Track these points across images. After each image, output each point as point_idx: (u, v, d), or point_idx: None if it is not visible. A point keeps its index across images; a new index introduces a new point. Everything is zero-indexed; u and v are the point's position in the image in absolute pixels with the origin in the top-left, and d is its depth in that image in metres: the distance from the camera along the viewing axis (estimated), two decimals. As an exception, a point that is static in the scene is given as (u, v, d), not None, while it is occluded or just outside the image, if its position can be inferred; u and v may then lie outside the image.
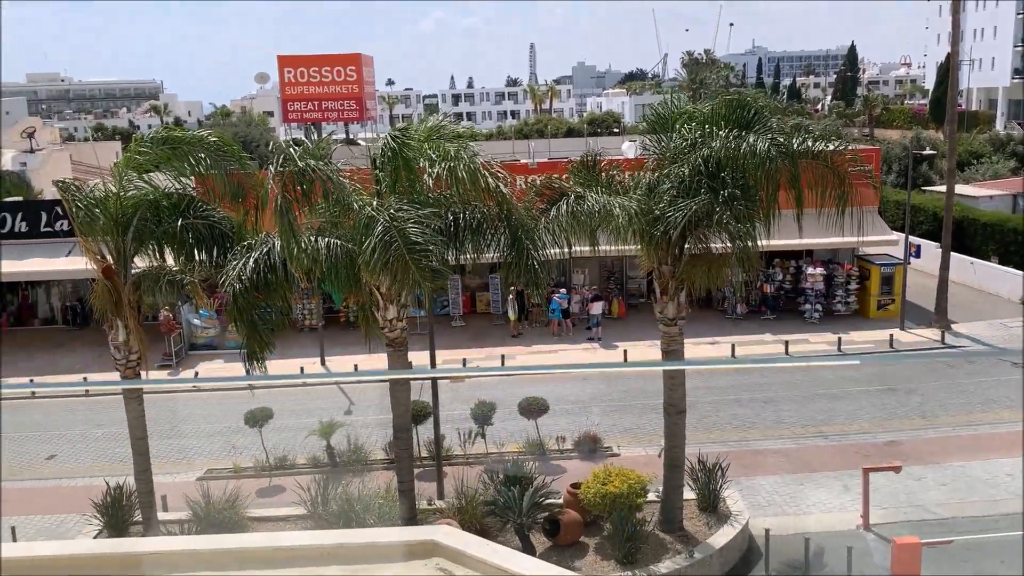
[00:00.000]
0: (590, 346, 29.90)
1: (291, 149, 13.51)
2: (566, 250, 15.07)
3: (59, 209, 29.61)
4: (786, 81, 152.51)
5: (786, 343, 28.31)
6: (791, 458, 20.60)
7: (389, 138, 13.86)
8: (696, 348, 27.00)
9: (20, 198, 37.63)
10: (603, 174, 15.69)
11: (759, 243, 14.29)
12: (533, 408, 20.65)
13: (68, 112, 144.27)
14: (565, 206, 14.22)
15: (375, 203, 13.33)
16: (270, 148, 15.78)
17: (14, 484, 20.81)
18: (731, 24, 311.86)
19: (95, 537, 17.23)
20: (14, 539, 17.17)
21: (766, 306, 32.52)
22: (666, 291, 15.45)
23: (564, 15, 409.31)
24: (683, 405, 16.10)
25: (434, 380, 19.84)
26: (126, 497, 17.39)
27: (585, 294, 31.99)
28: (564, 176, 17.20)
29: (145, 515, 16.75)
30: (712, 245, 14.79)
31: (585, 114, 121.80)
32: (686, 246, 14.91)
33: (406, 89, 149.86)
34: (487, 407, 20.84)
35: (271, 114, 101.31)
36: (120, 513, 17.29)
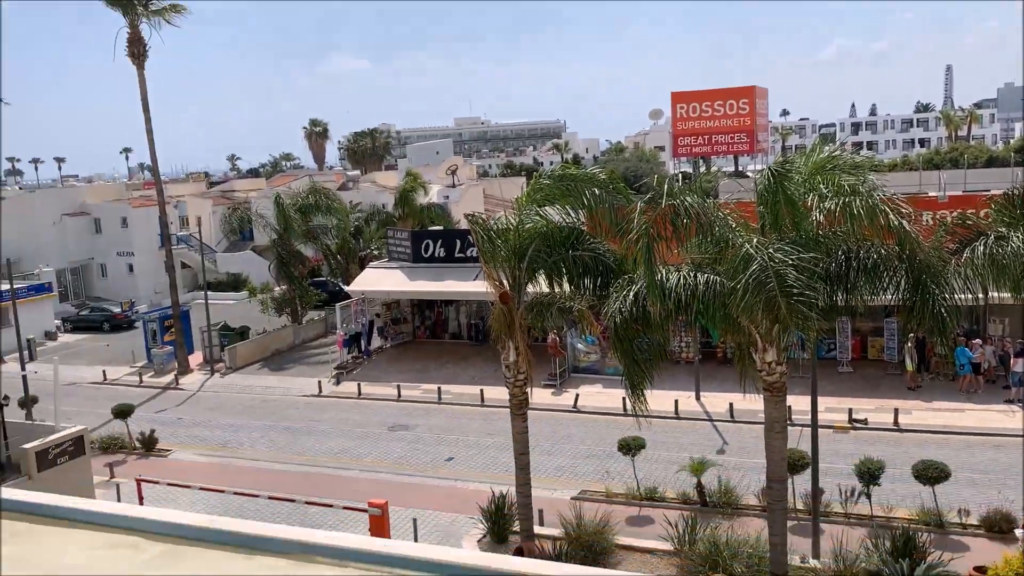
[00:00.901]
0: (1007, 408, 25.81)
1: (668, 183, 13.55)
2: (980, 296, 13.15)
3: (470, 238, 33.16)
4: None
5: None
6: None
7: (770, 171, 13.26)
8: None
9: (441, 227, 42.88)
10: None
11: None
12: (931, 473, 18.28)
13: (485, 151, 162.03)
14: (982, 247, 12.41)
15: (755, 240, 12.81)
16: (651, 183, 16.05)
17: (421, 479, 23.54)
18: None
19: (479, 540, 18.79)
20: (415, 529, 19.34)
21: None
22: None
23: (991, 33, 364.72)
24: None
25: (814, 428, 18.49)
26: (508, 506, 18.76)
27: (1006, 347, 27.75)
28: (983, 213, 15.08)
29: (523, 526, 17.86)
30: None
31: (1012, 141, 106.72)
32: None
33: (801, 119, 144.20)
34: (874, 465, 18.91)
35: (662, 149, 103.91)
36: (502, 521, 18.69)
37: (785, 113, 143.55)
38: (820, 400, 19.93)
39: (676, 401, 27.16)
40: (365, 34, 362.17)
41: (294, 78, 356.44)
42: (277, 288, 43.09)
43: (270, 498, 19.74)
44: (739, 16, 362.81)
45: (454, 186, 61.53)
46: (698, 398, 28.31)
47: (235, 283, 55.50)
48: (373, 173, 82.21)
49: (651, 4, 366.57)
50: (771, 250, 12.24)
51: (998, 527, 17.75)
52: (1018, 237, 12.24)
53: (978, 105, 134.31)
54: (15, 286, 37.01)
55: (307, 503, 19.90)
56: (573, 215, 16.35)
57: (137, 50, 35.76)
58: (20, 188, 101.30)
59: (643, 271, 12.96)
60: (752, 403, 25.76)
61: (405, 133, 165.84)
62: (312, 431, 28.39)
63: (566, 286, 16.01)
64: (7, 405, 25.10)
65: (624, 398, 26.15)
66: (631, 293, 13.61)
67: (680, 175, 56.97)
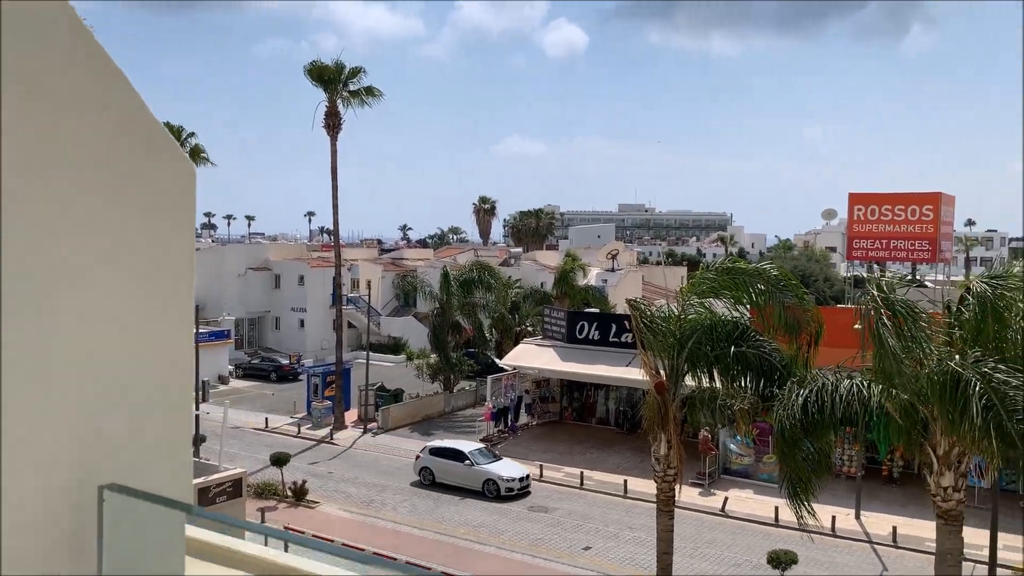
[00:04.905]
0: None
1: (878, 280, 12.92)
2: None
3: (627, 323, 32.92)
4: None
5: None
6: None
7: (977, 283, 12.42)
8: None
9: (597, 310, 42.93)
10: None
11: None
12: None
13: (646, 238, 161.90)
14: None
15: (958, 358, 11.91)
16: (845, 283, 15.41)
17: (556, 565, 23.05)
18: None
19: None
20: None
21: None
22: None
23: None
24: None
25: (992, 566, 16.75)
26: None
27: None
28: None
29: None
30: None
31: None
32: None
33: (989, 230, 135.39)
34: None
35: (833, 250, 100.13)
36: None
37: (971, 223, 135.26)
38: (999, 536, 18.11)
39: (833, 517, 25.39)
40: (542, 117, 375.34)
41: (468, 156, 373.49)
42: (433, 355, 44.32)
43: (407, 562, 19.92)
44: (924, 117, 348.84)
45: (613, 271, 61.63)
46: (858, 517, 26.37)
47: (395, 346, 57.52)
48: (535, 252, 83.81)
49: (828, 101, 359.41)
50: (985, 369, 11.36)
51: None
52: None
53: None
54: (199, 331, 40.01)
55: (444, 574, 19.93)
56: (740, 310, 15.94)
57: (332, 122, 38.60)
58: (212, 241, 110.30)
59: (883, 364, 12.09)
60: (918, 530, 23.80)
61: (569, 215, 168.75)
62: (453, 501, 28.57)
63: (725, 382, 15.52)
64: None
65: (777, 507, 24.81)
66: (802, 396, 12.99)
67: (853, 279, 54.59)
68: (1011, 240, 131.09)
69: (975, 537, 19.67)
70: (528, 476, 29.52)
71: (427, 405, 41.21)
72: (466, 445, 30.92)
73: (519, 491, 28.69)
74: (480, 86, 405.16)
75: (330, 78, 38.17)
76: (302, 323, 58.53)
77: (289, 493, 28.19)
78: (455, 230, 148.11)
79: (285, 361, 51.90)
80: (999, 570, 18.43)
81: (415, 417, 39.95)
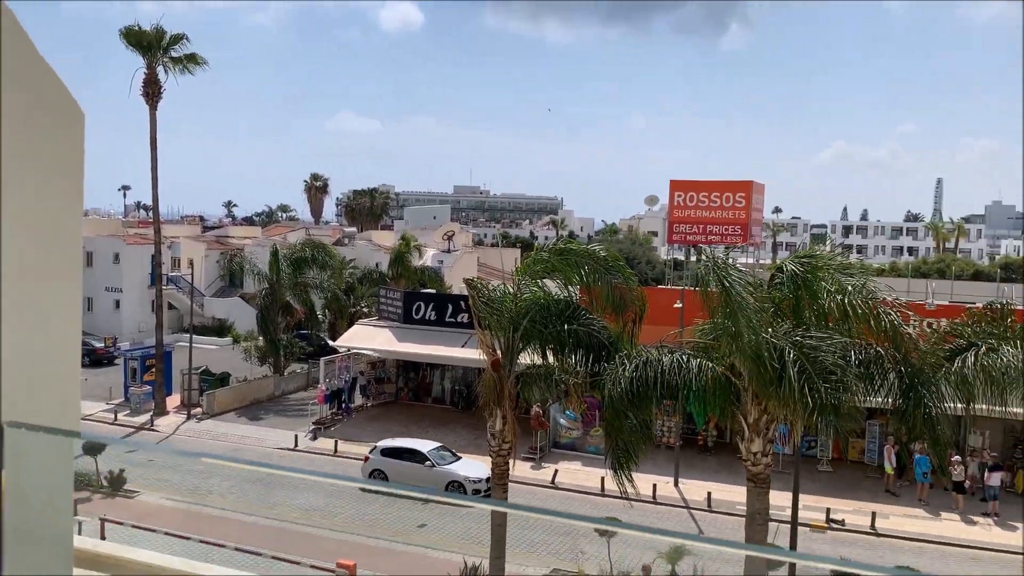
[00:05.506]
0: (984, 521, 25.74)
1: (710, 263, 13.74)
2: (962, 407, 13.30)
3: (463, 303, 33.26)
4: None
5: None
6: None
7: (792, 264, 13.53)
8: None
9: (433, 290, 43.04)
10: (1014, 326, 13.73)
11: None
12: (907, 580, 18.15)
13: (482, 220, 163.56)
14: (974, 358, 12.61)
15: (771, 330, 12.95)
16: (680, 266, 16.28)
17: (392, 544, 23.10)
18: None
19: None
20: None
21: None
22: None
23: (983, 150, 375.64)
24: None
25: (794, 525, 18.39)
26: (479, 578, 18.42)
27: (984, 459, 27.80)
28: (968, 322, 15.34)
29: (492, 600, 17.52)
30: None
31: (998, 257, 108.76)
32: None
33: (793, 217, 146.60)
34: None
35: (655, 234, 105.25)
36: (471, 593, 18.32)
37: (778, 210, 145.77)
38: (800, 497, 19.87)
39: (655, 485, 26.94)
40: (377, 94, 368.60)
41: (299, 131, 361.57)
42: (261, 338, 42.89)
43: (236, 549, 19.35)
44: (740, 110, 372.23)
45: (449, 252, 61.98)
46: (676, 484, 28.11)
47: (220, 328, 55.20)
48: (369, 231, 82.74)
49: (653, 92, 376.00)
50: (798, 337, 12.40)
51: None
52: (1010, 351, 12.47)
53: (966, 219, 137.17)
54: None
55: (273, 557, 19.50)
56: (570, 290, 16.53)
57: (152, 91, 36.36)
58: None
59: (723, 312, 12.66)
60: (730, 494, 25.68)
61: (404, 195, 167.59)
62: (284, 485, 27.92)
63: (558, 358, 16.08)
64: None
65: (603, 478, 25.98)
66: (627, 371, 13.70)
67: (673, 262, 57.65)
68: (813, 227, 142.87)
69: (779, 499, 21.48)
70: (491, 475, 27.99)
71: (256, 389, 39.92)
72: (423, 444, 28.43)
73: (485, 492, 26.37)
74: (311, 59, 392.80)
75: (149, 44, 35.89)
76: (117, 304, 54.96)
77: (105, 483, 26.57)
78: (284, 208, 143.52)
79: (99, 344, 48.58)
80: (800, 528, 20.24)
81: (243, 401, 38.62)
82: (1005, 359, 12.25)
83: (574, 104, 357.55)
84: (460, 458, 28.43)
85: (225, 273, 57.91)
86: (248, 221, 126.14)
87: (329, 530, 23.96)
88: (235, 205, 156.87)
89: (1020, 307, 21.76)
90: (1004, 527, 25.27)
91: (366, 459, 28.28)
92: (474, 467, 27.51)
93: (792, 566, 17.42)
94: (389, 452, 27.84)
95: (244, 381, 40.22)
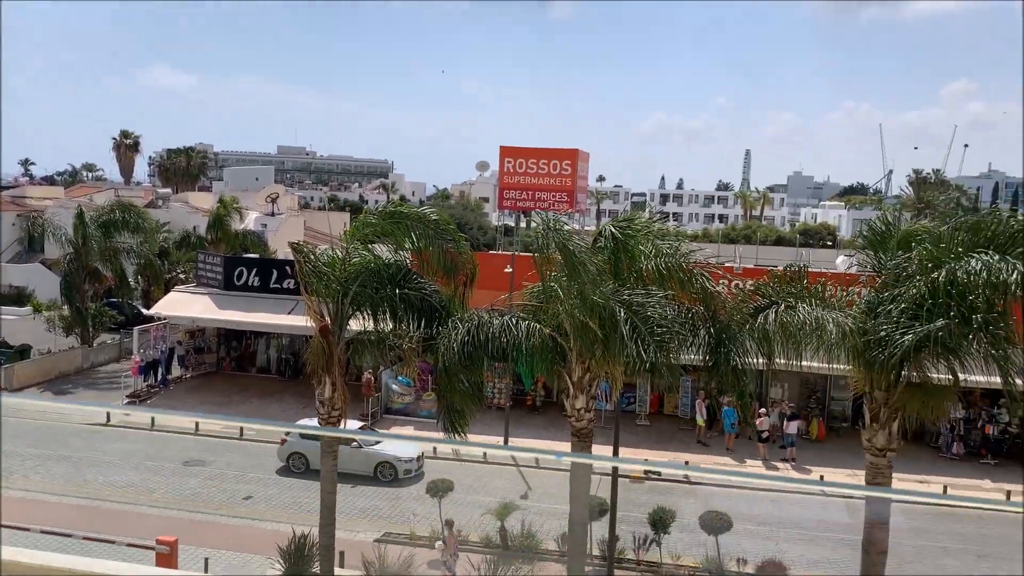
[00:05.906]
0: (783, 466, 28.20)
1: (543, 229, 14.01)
2: (764, 361, 14.45)
3: (289, 268, 32.25)
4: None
5: (1007, 492, 25.31)
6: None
7: (612, 228, 14.07)
8: (902, 485, 24.71)
9: (256, 255, 41.45)
10: (810, 287, 15.02)
11: (988, 378, 13.03)
12: (715, 524, 19.61)
13: (308, 182, 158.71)
14: (774, 315, 13.70)
15: (600, 290, 13.44)
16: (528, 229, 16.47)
17: (216, 517, 22.33)
18: (966, 145, 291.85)
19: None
20: (206, 569, 18.31)
21: (987, 449, 29.39)
22: (877, 418, 14.34)
23: (786, 124, 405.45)
24: (885, 545, 14.72)
25: (614, 478, 19.38)
26: (308, 547, 18.17)
27: (783, 410, 30.36)
28: (770, 283, 16.63)
29: (324, 568, 17.37)
30: (932, 375, 13.66)
31: (798, 224, 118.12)
32: (903, 372, 13.85)
33: (616, 186, 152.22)
34: (666, 514, 20.04)
35: (486, 200, 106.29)
36: (301, 562, 18.05)
37: (601, 179, 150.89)
38: (620, 451, 20.95)
39: (485, 453, 27.51)
40: (195, 48, 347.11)
41: (106, 83, 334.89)
42: (66, 307, 39.81)
43: (42, 532, 18.04)
44: (570, 79, 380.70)
45: (273, 215, 59.80)
46: (506, 442, 28.82)
47: (19, 297, 50.71)
48: (186, 193, 78.44)
49: (483, 59, 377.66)
50: (625, 296, 12.93)
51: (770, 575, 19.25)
52: (804, 308, 13.63)
53: (771, 189, 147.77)
54: None
55: (85, 538, 18.33)
56: (402, 254, 16.44)
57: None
58: None
59: (568, 272, 12.91)
60: (561, 448, 26.62)
61: (224, 155, 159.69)
62: (96, 462, 26.28)
63: (390, 323, 16.00)
64: None
65: (435, 447, 26.24)
66: (459, 334, 13.84)
67: (503, 227, 58.52)
68: (633, 195, 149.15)
69: (601, 452, 22.57)
70: (423, 454, 25.99)
71: (62, 361, 37.14)
72: (349, 424, 24.86)
73: (416, 472, 25.33)
74: (118, 2, 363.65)
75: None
76: None
77: None
78: (90, 167, 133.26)
79: None
80: (620, 479, 21.35)
81: (48, 375, 35.86)
82: (801, 316, 13.41)
83: (406, 67, 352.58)
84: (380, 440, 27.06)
85: (24, 237, 53.16)
86: (49, 181, 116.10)
87: (148, 506, 22.84)
88: (33, 163, 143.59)
89: (815, 269, 23.78)
90: (800, 470, 27.78)
91: (283, 441, 26.08)
92: (404, 446, 25.96)
93: (613, 514, 18.39)
94: (310, 436, 24.41)
95: (48, 353, 37.30)
